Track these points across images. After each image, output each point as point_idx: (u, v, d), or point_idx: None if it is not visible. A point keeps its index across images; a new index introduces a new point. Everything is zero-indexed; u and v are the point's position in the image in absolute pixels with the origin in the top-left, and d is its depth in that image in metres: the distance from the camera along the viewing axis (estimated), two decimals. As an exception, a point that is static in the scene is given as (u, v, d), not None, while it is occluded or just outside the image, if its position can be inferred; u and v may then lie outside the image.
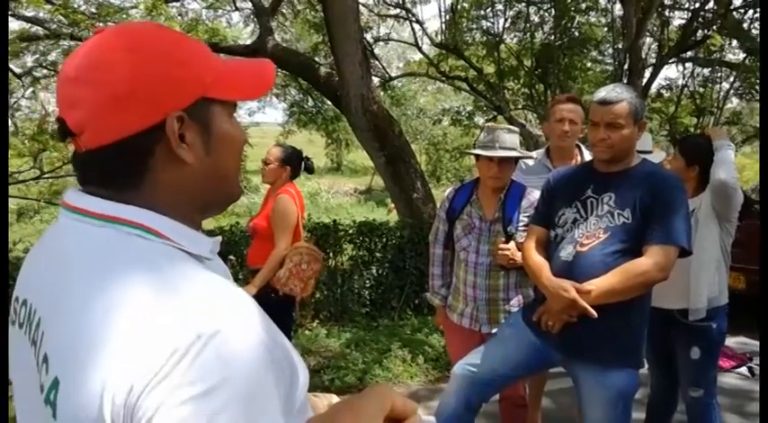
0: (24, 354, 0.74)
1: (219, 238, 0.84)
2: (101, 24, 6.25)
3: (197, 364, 0.60)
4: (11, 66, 8.40)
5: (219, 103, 0.78)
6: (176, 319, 0.62)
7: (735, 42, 10.26)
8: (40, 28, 7.64)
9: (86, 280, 0.68)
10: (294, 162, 3.52)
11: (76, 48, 0.78)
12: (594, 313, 2.04)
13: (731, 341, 4.63)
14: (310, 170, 3.66)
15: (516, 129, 2.83)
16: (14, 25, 8.56)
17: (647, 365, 2.75)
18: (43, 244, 0.81)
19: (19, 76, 8.64)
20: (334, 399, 1.19)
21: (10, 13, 7.29)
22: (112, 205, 0.72)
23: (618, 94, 2.16)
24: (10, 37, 7.90)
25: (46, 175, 7.76)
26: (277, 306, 3.39)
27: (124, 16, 7.03)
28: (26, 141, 8.51)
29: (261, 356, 0.64)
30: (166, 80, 0.72)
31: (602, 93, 2.20)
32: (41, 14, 7.29)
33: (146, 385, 0.59)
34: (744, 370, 4.45)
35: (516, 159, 2.77)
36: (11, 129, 9.24)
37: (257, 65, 0.85)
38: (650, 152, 3.32)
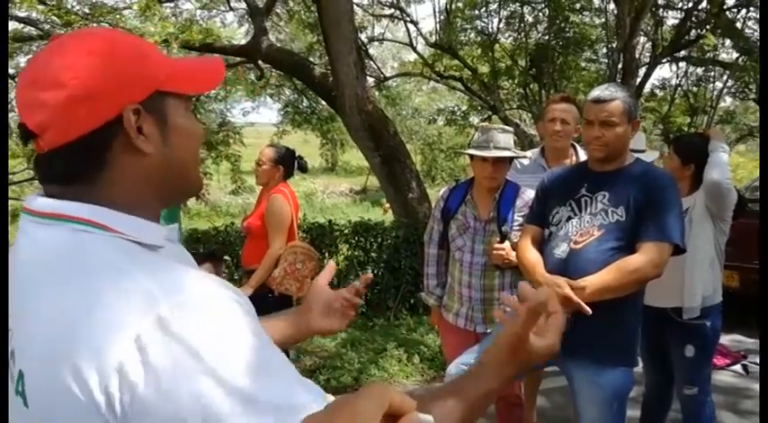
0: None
1: (175, 226, 0.89)
2: (94, 25, 6.23)
3: (166, 343, 0.63)
4: (4, 66, 8.37)
5: (175, 96, 0.82)
6: (131, 305, 0.65)
7: (728, 42, 10.30)
8: (33, 28, 7.61)
9: (38, 278, 0.72)
10: (287, 162, 3.52)
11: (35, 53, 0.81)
12: (588, 309, 2.04)
13: (725, 339, 4.64)
14: (304, 169, 3.66)
15: (510, 129, 2.84)
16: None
17: (641, 364, 2.76)
18: (12, 247, 0.85)
19: (12, 78, 8.60)
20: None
21: (3, 13, 7.24)
22: (60, 203, 0.76)
23: (612, 92, 2.18)
24: (3, 37, 7.87)
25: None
26: (274, 306, 3.38)
27: (117, 16, 7.00)
28: (19, 143, 8.47)
29: (233, 315, 0.68)
30: (121, 77, 0.77)
31: (597, 91, 2.23)
32: (34, 15, 7.26)
33: (119, 372, 0.62)
34: (738, 368, 4.46)
35: (511, 159, 2.78)
36: (4, 130, 9.18)
37: (208, 62, 0.91)
38: (644, 151, 3.33)
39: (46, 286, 0.71)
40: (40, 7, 6.18)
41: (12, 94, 9.50)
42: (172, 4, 9.67)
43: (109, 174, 0.78)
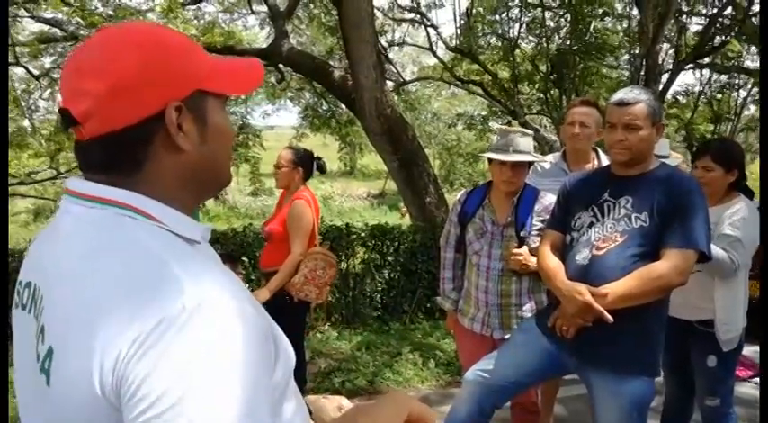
0: (27, 331, 0.79)
1: (210, 226, 0.89)
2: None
3: (183, 334, 0.63)
4: (29, 67, 8.50)
5: (213, 96, 0.83)
6: (161, 292, 0.66)
7: (753, 48, 10.15)
8: (58, 30, 7.73)
9: (78, 256, 0.73)
10: (306, 163, 3.50)
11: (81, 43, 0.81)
12: (610, 317, 2.00)
13: (748, 350, 4.52)
14: (322, 170, 3.64)
15: (530, 132, 2.80)
16: (34, 27, 8.68)
17: (662, 373, 2.70)
18: (47, 228, 0.86)
19: (37, 78, 8.73)
20: (344, 401, 1.18)
21: (29, 15, 7.38)
22: (106, 189, 0.77)
23: (635, 95, 2.13)
24: (29, 39, 8.00)
25: (63, 175, 7.84)
26: (291, 310, 3.38)
27: (140, 18, 7.09)
28: (43, 142, 8.60)
29: (247, 330, 0.68)
30: (167, 73, 0.77)
31: (620, 94, 2.17)
32: (60, 16, 7.37)
33: (134, 353, 0.63)
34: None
35: (530, 163, 2.74)
36: (29, 130, 9.34)
37: (247, 63, 0.89)
38: (667, 157, 3.27)
39: (87, 264, 0.72)
40: (65, 9, 6.27)
41: (36, 94, 9.63)
42: (194, 7, 9.77)
43: (147, 167, 0.78)
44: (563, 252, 2.30)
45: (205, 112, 0.81)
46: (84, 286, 0.70)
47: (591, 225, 2.20)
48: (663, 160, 2.47)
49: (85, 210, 0.76)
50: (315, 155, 3.61)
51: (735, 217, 2.63)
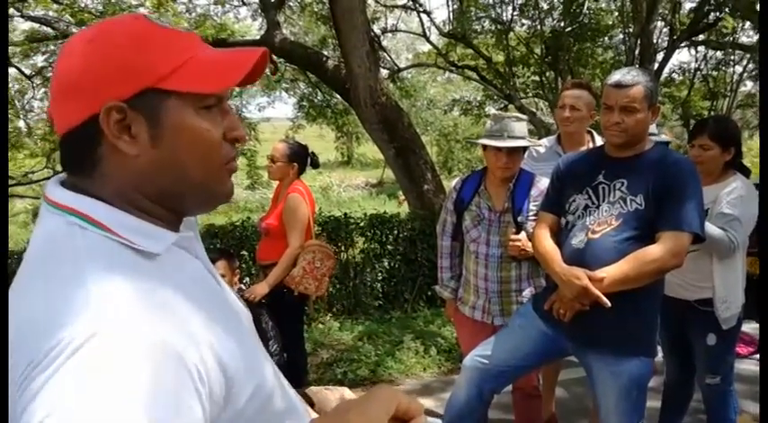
0: None
1: (189, 235, 0.83)
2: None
3: (63, 369, 0.58)
4: (21, 67, 8.46)
5: (177, 95, 0.75)
6: (62, 318, 0.61)
7: (748, 24, 10.09)
8: (48, 28, 7.68)
9: (22, 270, 0.71)
10: (301, 158, 3.49)
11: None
12: (607, 301, 2.01)
13: (748, 327, 4.55)
14: (315, 165, 3.64)
15: (525, 117, 2.78)
16: (24, 26, 8.63)
17: (661, 353, 2.70)
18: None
19: (29, 77, 8.69)
20: (347, 392, 1.18)
21: (19, 14, 7.34)
22: (65, 193, 0.74)
23: (633, 77, 2.11)
24: (20, 38, 7.96)
25: (59, 175, 7.84)
26: (290, 304, 3.39)
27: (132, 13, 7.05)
28: (38, 142, 8.58)
29: (143, 365, 0.60)
30: (110, 70, 0.72)
31: (617, 76, 2.15)
32: (50, 14, 7.33)
33: (24, 379, 0.59)
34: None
35: (525, 148, 2.73)
36: (24, 130, 9.32)
37: (238, 56, 0.79)
38: (656, 135, 3.25)
39: (23, 277, 0.70)
40: (55, 6, 6.23)
41: (29, 94, 9.57)
42: (186, 0, 9.70)
43: (99, 169, 0.75)
44: (558, 235, 2.30)
45: (162, 112, 0.74)
46: (15, 303, 0.67)
47: (586, 208, 2.20)
48: (653, 138, 2.46)
49: (47, 215, 0.74)
50: (310, 150, 3.59)
51: (732, 195, 2.62)
